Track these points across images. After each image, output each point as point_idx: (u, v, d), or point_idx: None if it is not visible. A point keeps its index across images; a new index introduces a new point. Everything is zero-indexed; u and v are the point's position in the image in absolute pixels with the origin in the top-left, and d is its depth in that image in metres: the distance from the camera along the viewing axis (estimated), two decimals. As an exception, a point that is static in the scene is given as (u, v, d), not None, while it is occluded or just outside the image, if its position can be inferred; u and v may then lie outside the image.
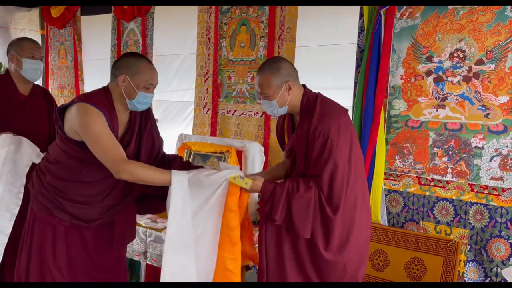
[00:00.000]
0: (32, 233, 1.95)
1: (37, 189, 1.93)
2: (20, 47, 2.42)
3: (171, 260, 1.77)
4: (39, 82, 5.26)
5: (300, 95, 1.86)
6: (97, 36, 4.45)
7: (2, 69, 4.74)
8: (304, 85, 1.92)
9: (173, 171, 1.77)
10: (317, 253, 1.75)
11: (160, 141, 2.09)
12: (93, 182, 1.88)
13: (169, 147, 3.81)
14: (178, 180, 1.74)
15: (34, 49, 2.44)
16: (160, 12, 3.87)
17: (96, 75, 4.46)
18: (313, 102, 1.83)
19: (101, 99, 1.82)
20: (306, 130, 1.77)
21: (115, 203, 1.94)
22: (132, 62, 1.84)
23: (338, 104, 1.88)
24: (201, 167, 2.00)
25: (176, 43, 3.81)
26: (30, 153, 2.19)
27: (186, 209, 1.75)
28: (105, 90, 1.88)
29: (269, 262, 1.82)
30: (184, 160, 2.15)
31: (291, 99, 1.84)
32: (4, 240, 2.19)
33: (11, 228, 2.20)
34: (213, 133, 3.45)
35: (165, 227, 2.63)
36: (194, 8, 3.53)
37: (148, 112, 2.02)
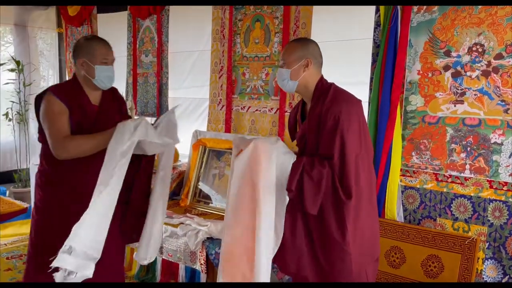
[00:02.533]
0: None
1: None
2: (91, 51, 2.05)
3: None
4: (56, 79, 5.34)
5: (316, 81, 1.87)
6: (113, 33, 4.49)
7: (20, 67, 4.82)
8: (322, 75, 1.92)
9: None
10: (330, 238, 1.73)
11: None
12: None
13: (184, 144, 3.85)
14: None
15: (108, 53, 2.10)
16: (175, 9, 3.89)
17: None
18: (327, 88, 1.84)
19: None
20: (318, 113, 1.78)
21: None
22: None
23: (351, 94, 1.87)
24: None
25: (191, 40, 3.83)
26: None
27: None
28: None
29: (286, 235, 1.80)
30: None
31: (304, 78, 1.85)
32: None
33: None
34: (228, 130, 3.46)
35: (181, 223, 2.66)
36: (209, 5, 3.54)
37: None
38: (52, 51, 5.27)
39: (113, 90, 2.20)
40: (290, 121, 2.10)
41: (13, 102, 4.86)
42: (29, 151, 5.00)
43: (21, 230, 4.00)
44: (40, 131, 2.06)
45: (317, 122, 1.78)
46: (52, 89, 2.01)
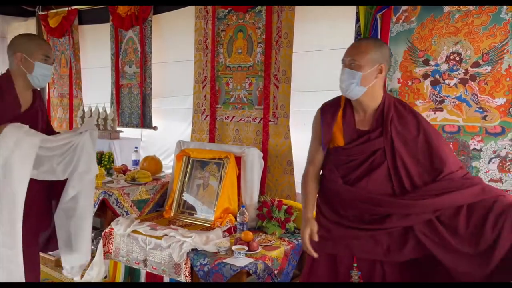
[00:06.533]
0: None
1: None
2: (32, 46, 1.96)
3: None
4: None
5: (382, 91, 1.74)
6: (96, 44, 4.47)
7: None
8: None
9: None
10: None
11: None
12: None
13: (169, 154, 3.82)
14: None
15: (49, 51, 2.02)
16: (157, 20, 3.89)
17: (96, 83, 4.47)
18: (393, 98, 1.78)
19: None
20: (415, 124, 1.68)
21: None
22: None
23: None
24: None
25: (174, 50, 3.83)
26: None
27: None
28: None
29: None
30: None
31: (373, 86, 1.68)
32: None
33: None
34: (212, 140, 3.45)
35: (165, 235, 2.63)
36: (191, 16, 3.54)
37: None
38: (33, 62, 5.21)
39: (39, 94, 2.17)
40: (328, 122, 1.79)
41: (-8, 114, 4.79)
42: None
43: None
44: None
45: (416, 134, 1.67)
46: None
